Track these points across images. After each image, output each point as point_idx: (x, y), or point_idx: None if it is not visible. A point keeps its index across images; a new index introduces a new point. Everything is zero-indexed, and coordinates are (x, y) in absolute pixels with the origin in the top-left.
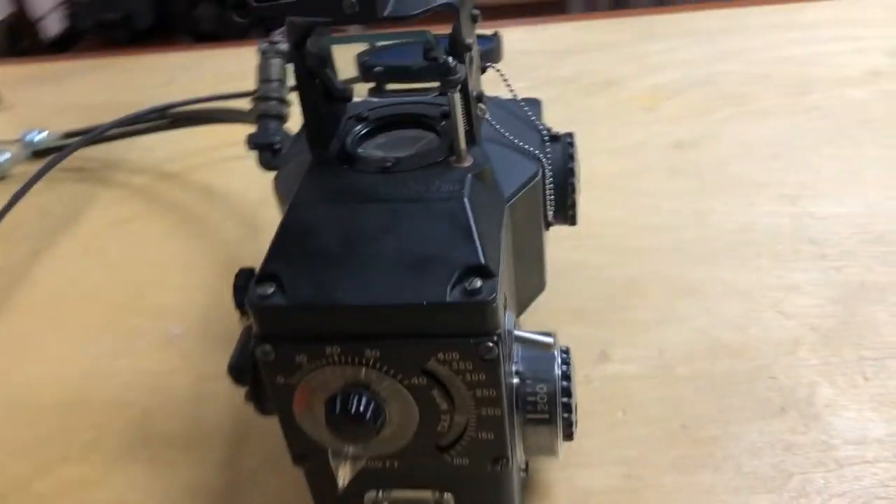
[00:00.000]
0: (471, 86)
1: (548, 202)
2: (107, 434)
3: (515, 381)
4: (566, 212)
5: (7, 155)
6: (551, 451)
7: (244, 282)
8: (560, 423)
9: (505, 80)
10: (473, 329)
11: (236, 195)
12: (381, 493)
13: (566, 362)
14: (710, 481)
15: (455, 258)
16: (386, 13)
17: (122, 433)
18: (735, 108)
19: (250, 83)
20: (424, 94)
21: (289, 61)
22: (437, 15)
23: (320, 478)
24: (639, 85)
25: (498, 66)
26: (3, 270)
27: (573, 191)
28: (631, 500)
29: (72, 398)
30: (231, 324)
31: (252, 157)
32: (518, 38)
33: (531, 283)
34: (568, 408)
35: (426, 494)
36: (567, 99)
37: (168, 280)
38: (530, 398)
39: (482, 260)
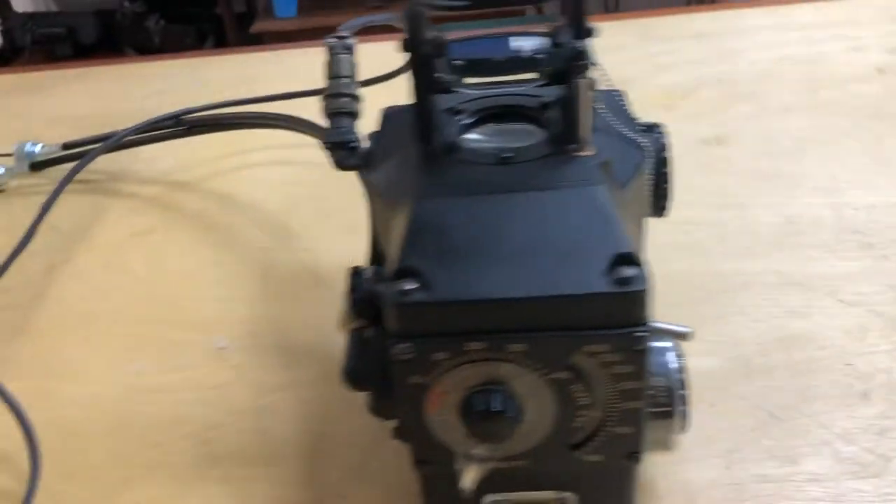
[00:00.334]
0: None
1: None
2: (169, 453)
3: None
4: (660, 202)
5: (1, 169)
6: (665, 444)
7: (359, 280)
8: (678, 415)
9: (602, 71)
10: (624, 319)
11: (259, 203)
12: (500, 497)
13: (680, 355)
14: (811, 469)
15: (602, 247)
16: None
17: (184, 451)
18: (751, 105)
19: (257, 89)
20: (508, 85)
21: (406, 50)
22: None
23: (438, 484)
24: (651, 85)
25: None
26: (19, 289)
27: (667, 181)
28: (738, 491)
29: (122, 418)
30: (280, 334)
31: (268, 164)
32: None
33: None
34: (685, 400)
35: (548, 496)
36: None
37: (202, 292)
38: (649, 391)
39: (630, 248)
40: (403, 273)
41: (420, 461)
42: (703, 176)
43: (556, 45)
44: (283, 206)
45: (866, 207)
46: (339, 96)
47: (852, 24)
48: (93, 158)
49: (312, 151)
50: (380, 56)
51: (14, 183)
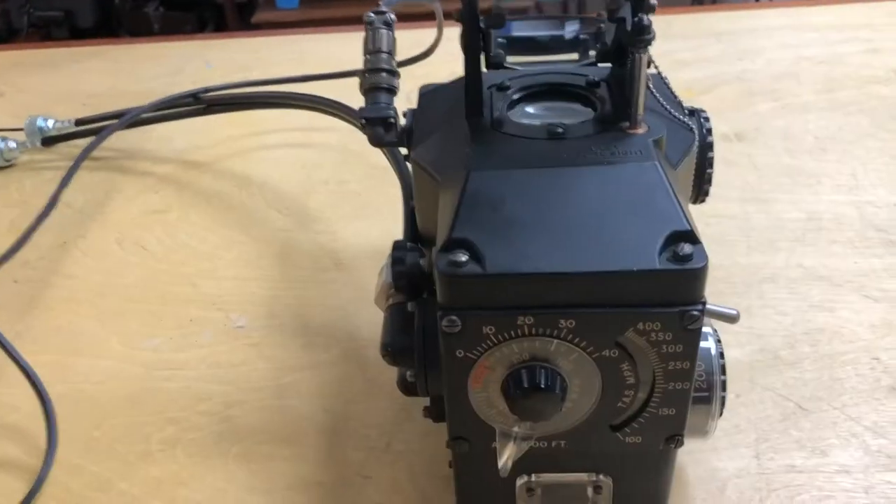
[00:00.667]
0: None
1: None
2: (188, 429)
3: None
4: (703, 186)
5: (12, 143)
6: (703, 430)
7: (402, 254)
8: (717, 400)
9: (651, 60)
10: (679, 297)
11: (275, 184)
12: (533, 478)
13: (718, 340)
14: (841, 460)
15: (658, 223)
16: None
17: (204, 428)
18: (771, 103)
19: (271, 72)
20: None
21: (461, 20)
22: None
23: (472, 463)
24: (671, 81)
25: None
26: (31, 264)
27: (711, 165)
28: (767, 481)
29: (140, 393)
30: (300, 315)
31: (284, 147)
32: None
33: None
34: (724, 386)
35: (582, 478)
36: None
37: (219, 272)
38: None
39: (688, 225)
40: (455, 244)
41: (456, 438)
42: (724, 170)
43: (614, 20)
44: (300, 189)
45: (888, 206)
46: (378, 71)
47: (868, 27)
48: (110, 133)
49: (329, 135)
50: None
51: (25, 158)
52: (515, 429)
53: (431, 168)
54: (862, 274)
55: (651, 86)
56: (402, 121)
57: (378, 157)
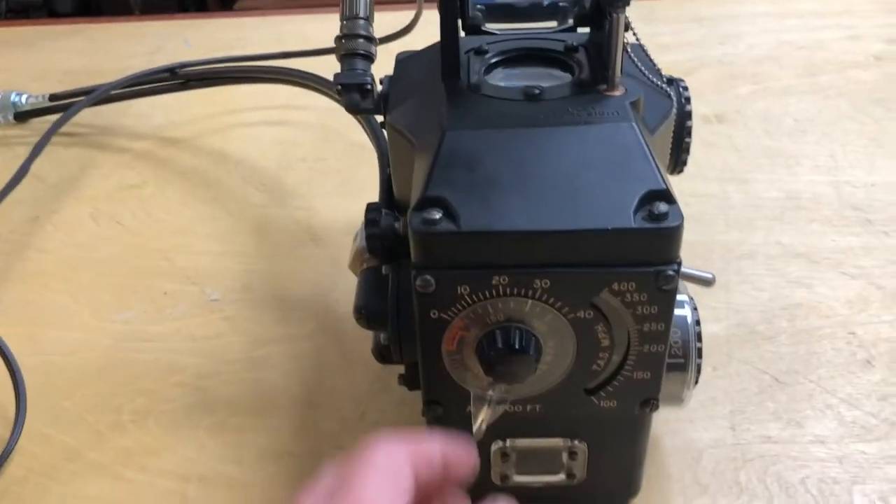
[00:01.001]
0: None
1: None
2: (160, 400)
3: None
4: (680, 156)
5: None
6: (679, 398)
7: (376, 216)
8: (693, 368)
9: (629, 24)
10: (654, 257)
11: (253, 161)
12: (508, 444)
13: (695, 308)
14: (816, 431)
15: (634, 183)
16: None
17: (177, 399)
18: (752, 86)
19: (254, 50)
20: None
21: None
22: None
23: (447, 428)
24: None
25: None
26: (2, 237)
27: (689, 134)
28: (742, 451)
29: (111, 364)
30: (275, 289)
31: (261, 124)
32: None
33: None
34: (700, 353)
35: (557, 443)
36: None
37: (194, 246)
38: None
39: (664, 184)
40: (429, 203)
41: (430, 402)
42: (704, 151)
43: None
44: (277, 165)
45: (866, 186)
46: (354, 37)
47: (849, 14)
48: (81, 108)
49: (307, 113)
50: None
51: None
52: (490, 392)
53: (407, 131)
54: (839, 251)
55: (630, 53)
56: (379, 88)
57: (357, 134)
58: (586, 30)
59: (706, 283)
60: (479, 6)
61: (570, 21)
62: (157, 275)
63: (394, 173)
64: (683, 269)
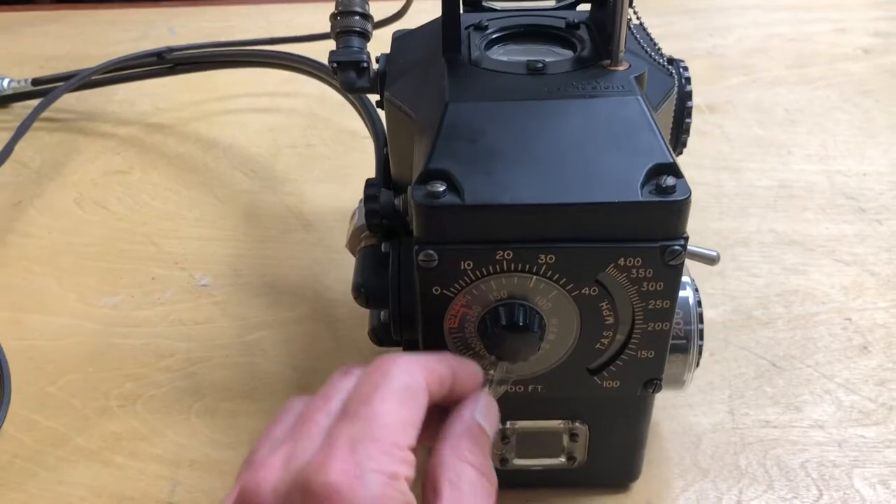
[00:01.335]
0: None
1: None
2: (148, 385)
3: None
4: (680, 136)
5: None
6: (680, 380)
7: (375, 191)
8: (694, 349)
9: (633, 7)
10: (661, 232)
11: (241, 147)
12: (508, 425)
13: (696, 289)
14: (814, 416)
15: (641, 156)
16: None
17: (166, 384)
18: (742, 77)
19: (237, 37)
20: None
21: None
22: None
23: None
24: None
25: None
26: None
27: (689, 115)
28: (741, 435)
29: (98, 349)
30: (265, 274)
31: (250, 111)
32: None
33: None
34: (701, 335)
35: (558, 425)
36: None
37: (182, 231)
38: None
39: (671, 158)
40: (432, 175)
41: None
42: (697, 140)
43: None
44: (266, 152)
45: (858, 175)
46: (350, 14)
47: (837, 7)
48: (66, 91)
49: (296, 100)
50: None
51: None
52: (491, 372)
53: (407, 106)
54: (833, 239)
55: (633, 30)
56: (375, 67)
57: (347, 122)
58: (586, 7)
59: (711, 260)
60: None
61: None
62: (145, 259)
63: (391, 152)
64: (689, 247)
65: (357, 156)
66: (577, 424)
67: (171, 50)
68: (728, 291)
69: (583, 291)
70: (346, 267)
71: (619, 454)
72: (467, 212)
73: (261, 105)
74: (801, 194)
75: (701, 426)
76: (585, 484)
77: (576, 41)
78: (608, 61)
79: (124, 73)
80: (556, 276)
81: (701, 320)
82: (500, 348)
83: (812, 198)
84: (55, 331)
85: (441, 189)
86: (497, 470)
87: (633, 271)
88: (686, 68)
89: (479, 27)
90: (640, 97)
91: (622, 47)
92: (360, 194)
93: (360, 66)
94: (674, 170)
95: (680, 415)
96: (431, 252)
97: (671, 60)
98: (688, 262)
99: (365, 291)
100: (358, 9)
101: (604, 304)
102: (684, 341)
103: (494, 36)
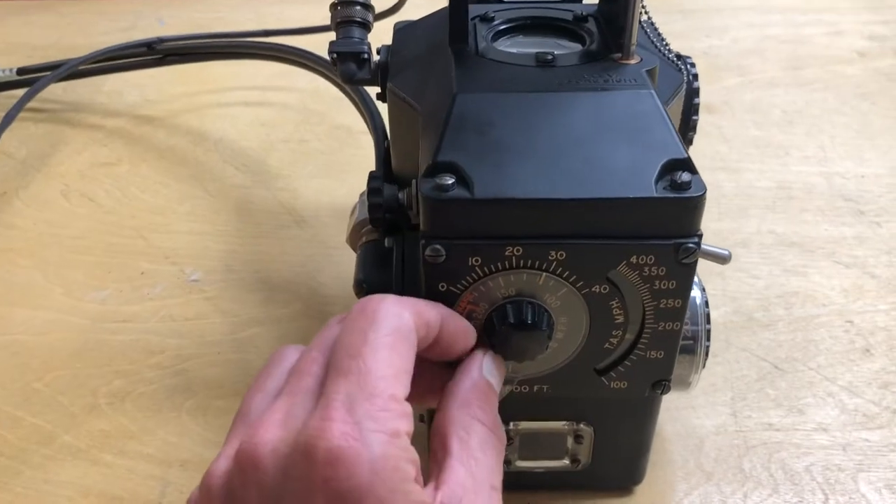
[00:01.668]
0: None
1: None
2: (138, 382)
3: None
4: (686, 133)
5: None
6: (686, 381)
7: (378, 184)
8: (702, 350)
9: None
10: (675, 229)
11: (233, 141)
12: (511, 426)
13: (703, 289)
14: (818, 419)
15: (655, 151)
16: None
17: (156, 381)
18: (738, 78)
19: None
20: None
21: None
22: None
23: None
24: None
25: None
26: None
27: (696, 112)
28: (745, 438)
29: (85, 345)
30: (257, 270)
31: (241, 105)
32: None
33: None
34: (709, 335)
35: (563, 427)
36: None
37: (173, 225)
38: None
39: (685, 153)
40: (441, 168)
41: None
42: (694, 140)
43: None
44: (258, 146)
45: (856, 177)
46: (351, 4)
47: (831, 10)
48: (52, 80)
49: (288, 94)
50: None
51: None
52: None
53: (411, 97)
54: (833, 241)
55: (644, 26)
56: (376, 58)
57: (340, 117)
58: (594, 1)
59: (723, 259)
60: None
61: None
62: (133, 253)
63: (393, 145)
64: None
65: (351, 152)
66: (581, 426)
67: (161, 40)
68: (729, 293)
69: (593, 289)
70: (341, 263)
71: (624, 456)
72: (477, 206)
73: (253, 98)
74: (799, 196)
75: (704, 428)
76: (588, 487)
77: (584, 34)
78: (619, 55)
79: (113, 63)
80: (567, 273)
81: (708, 321)
82: (507, 347)
83: (811, 199)
84: (41, 325)
85: (450, 182)
86: None
87: (646, 269)
88: (693, 65)
89: (486, 18)
90: (653, 91)
91: (634, 41)
92: (356, 190)
93: (360, 58)
94: (689, 165)
95: (683, 417)
96: (439, 247)
97: (679, 56)
98: None
99: (367, 287)
100: None
101: (614, 302)
102: (691, 342)
103: (502, 27)
